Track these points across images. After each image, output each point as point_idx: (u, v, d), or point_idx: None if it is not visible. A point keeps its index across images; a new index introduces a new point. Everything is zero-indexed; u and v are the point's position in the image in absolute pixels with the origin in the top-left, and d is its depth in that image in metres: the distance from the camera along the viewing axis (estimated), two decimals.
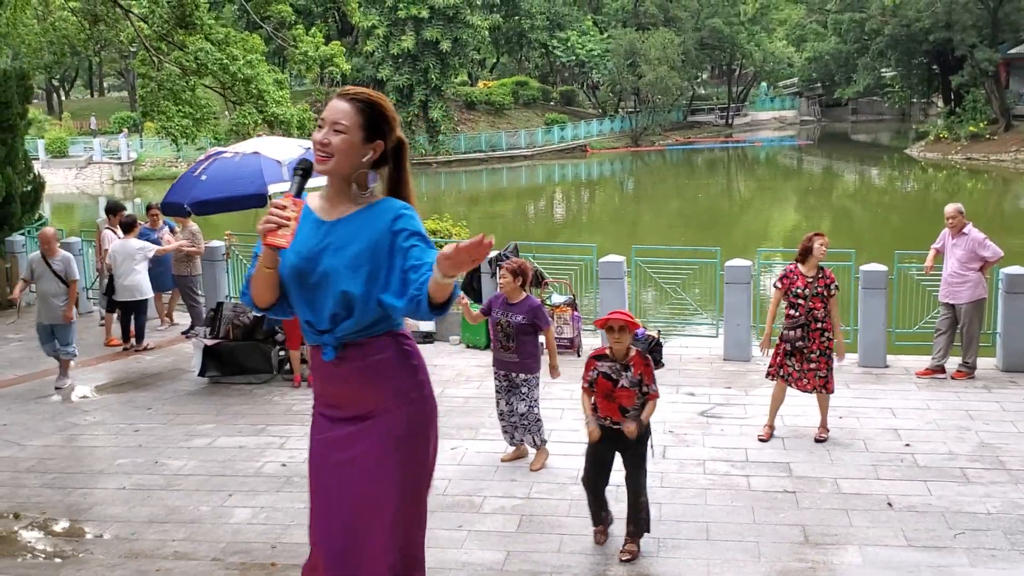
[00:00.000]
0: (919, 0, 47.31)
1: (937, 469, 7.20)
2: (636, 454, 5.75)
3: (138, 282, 11.51)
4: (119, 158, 52.03)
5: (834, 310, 7.86)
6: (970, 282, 9.68)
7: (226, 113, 22.89)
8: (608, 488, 5.96)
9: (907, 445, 7.72)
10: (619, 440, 5.74)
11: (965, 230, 9.73)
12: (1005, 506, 6.47)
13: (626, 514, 5.80)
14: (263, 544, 6.07)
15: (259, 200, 9.18)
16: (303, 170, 3.36)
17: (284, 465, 7.55)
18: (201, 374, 10.13)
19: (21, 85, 15.25)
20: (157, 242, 12.20)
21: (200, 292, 12.70)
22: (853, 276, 10.90)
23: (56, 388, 10.06)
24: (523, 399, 7.26)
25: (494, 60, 73.46)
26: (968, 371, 9.74)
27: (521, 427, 7.32)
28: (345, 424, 3.47)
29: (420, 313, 3.19)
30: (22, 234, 14.96)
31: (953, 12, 45.98)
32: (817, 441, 7.82)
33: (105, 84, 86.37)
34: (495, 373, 7.39)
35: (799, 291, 7.77)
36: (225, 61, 15.80)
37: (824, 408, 7.94)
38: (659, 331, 10.99)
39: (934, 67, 53.68)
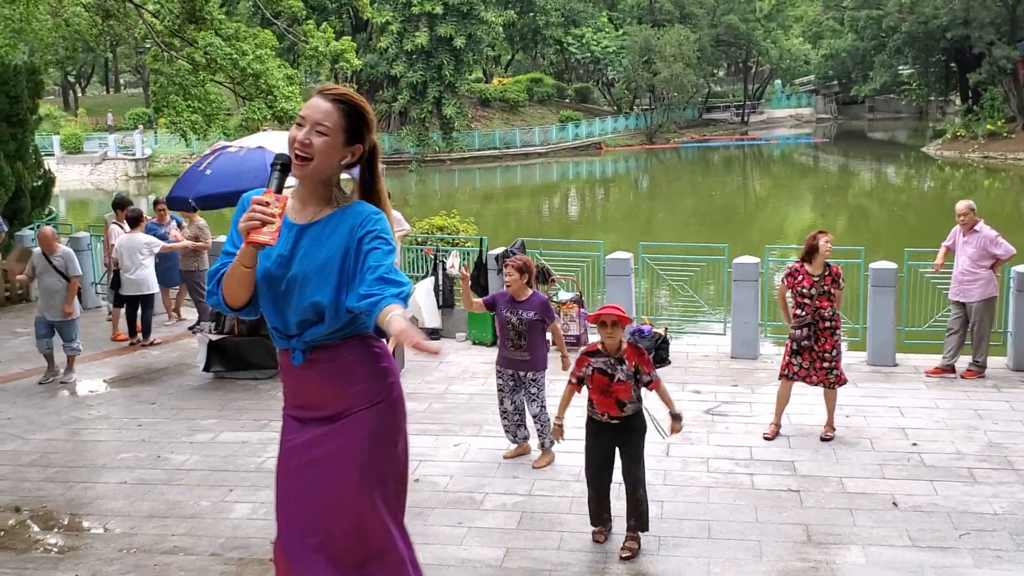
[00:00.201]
0: None
1: (944, 469, 7.10)
2: (634, 448, 5.71)
3: (144, 276, 11.52)
4: (134, 154, 52.29)
5: (838, 301, 7.84)
6: (981, 280, 9.56)
7: (240, 110, 22.93)
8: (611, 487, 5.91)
9: (914, 444, 7.63)
10: (617, 435, 5.70)
11: (977, 227, 9.61)
12: (1012, 507, 6.38)
13: (625, 509, 5.75)
14: (262, 540, 6.03)
15: None
16: (282, 164, 3.25)
17: None
18: (206, 369, 10.12)
19: (31, 80, 15.30)
20: (164, 237, 12.20)
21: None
22: (863, 274, 10.80)
23: (61, 382, 10.08)
24: (534, 399, 7.22)
25: (509, 57, 73.41)
26: (978, 370, 9.63)
27: (534, 428, 7.26)
28: (315, 425, 3.41)
29: (368, 322, 3.18)
30: (32, 228, 15.00)
31: (971, 9, 45.67)
32: (823, 440, 7.74)
33: (121, 80, 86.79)
34: (499, 372, 7.34)
35: (805, 290, 7.70)
36: (235, 56, 15.80)
37: (831, 406, 7.86)
38: (666, 328, 10.92)
39: (951, 64, 53.38)
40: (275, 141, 9.83)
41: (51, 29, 21.30)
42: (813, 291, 7.68)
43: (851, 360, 9.37)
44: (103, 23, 18.90)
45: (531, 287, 7.27)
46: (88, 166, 51.74)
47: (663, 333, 10.56)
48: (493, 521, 6.30)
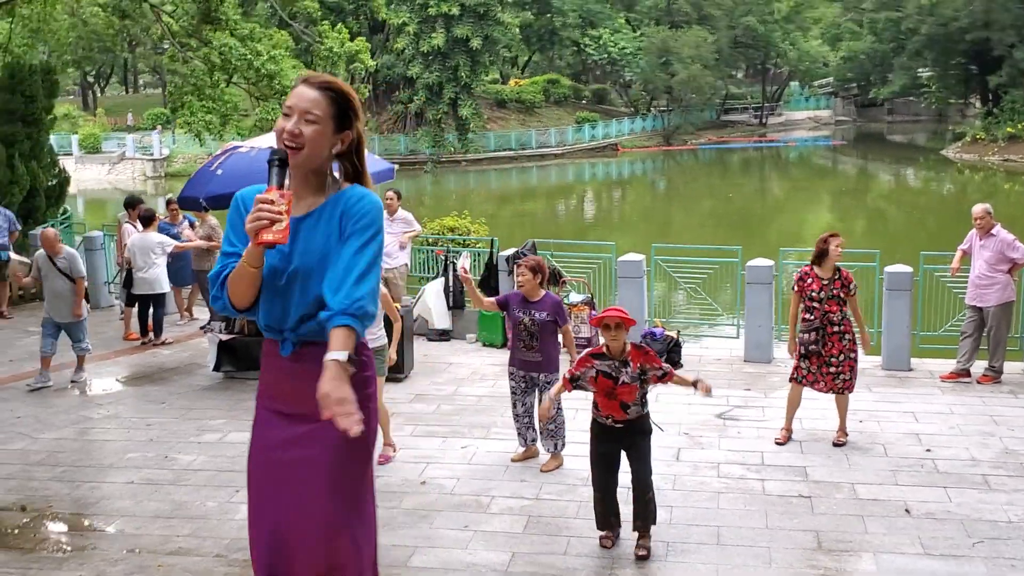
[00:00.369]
0: None
1: (958, 475, 7.00)
2: (640, 452, 5.67)
3: (156, 276, 11.53)
4: (152, 154, 52.50)
5: (856, 308, 7.72)
6: (998, 284, 9.44)
7: (255, 110, 22.99)
8: (618, 490, 5.84)
9: (928, 450, 7.53)
10: (622, 438, 5.66)
11: (993, 231, 9.50)
12: None
13: (632, 511, 5.69)
14: None
15: None
16: (280, 159, 3.18)
17: None
18: (216, 369, 10.11)
19: (46, 80, 15.35)
20: (177, 236, 12.21)
21: None
22: (877, 277, 10.69)
23: (72, 382, 10.08)
24: None
25: (525, 58, 73.34)
26: (994, 375, 9.50)
27: (546, 431, 7.21)
28: (289, 423, 3.35)
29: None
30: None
31: (991, 11, 45.35)
32: (835, 445, 7.65)
33: (140, 81, 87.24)
34: (512, 374, 7.28)
35: (814, 294, 7.62)
36: (250, 57, 15.82)
37: (843, 411, 7.77)
38: (678, 331, 10.84)
39: (972, 67, 52.96)
40: None
41: (68, 29, 21.42)
42: (822, 295, 7.60)
43: (865, 365, 9.24)
44: (120, 23, 18.96)
45: (544, 288, 7.22)
46: (106, 166, 51.99)
47: (675, 336, 10.49)
48: (499, 525, 6.24)
